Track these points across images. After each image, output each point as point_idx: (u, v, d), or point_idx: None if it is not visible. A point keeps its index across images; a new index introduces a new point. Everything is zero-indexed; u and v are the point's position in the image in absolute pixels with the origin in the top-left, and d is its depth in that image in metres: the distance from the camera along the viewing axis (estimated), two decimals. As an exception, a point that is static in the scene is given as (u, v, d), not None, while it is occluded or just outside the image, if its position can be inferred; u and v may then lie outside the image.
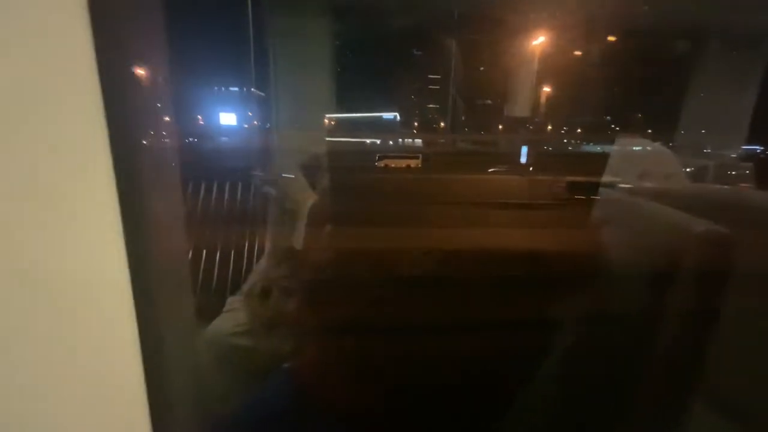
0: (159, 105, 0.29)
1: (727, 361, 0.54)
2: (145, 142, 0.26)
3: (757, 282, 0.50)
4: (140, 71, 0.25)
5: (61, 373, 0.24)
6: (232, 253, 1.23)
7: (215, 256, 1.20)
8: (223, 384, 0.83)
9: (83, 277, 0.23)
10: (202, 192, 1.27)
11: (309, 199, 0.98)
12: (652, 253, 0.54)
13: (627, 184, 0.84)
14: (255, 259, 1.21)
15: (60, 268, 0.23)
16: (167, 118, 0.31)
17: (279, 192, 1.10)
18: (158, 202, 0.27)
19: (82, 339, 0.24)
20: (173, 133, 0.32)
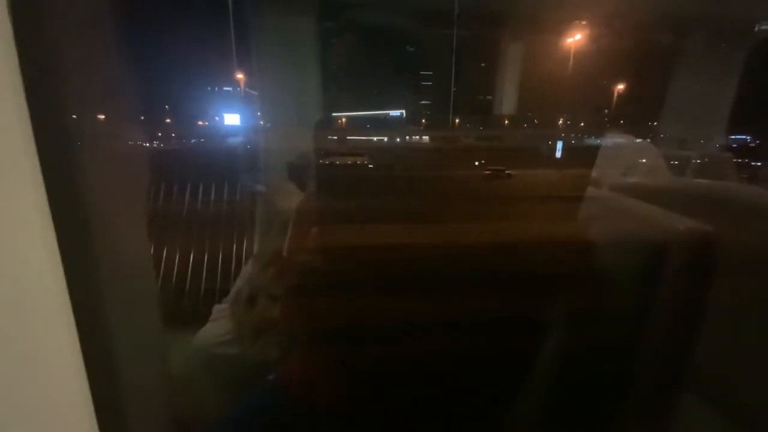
0: (88, 96, 0.27)
1: (716, 355, 0.53)
2: (81, 135, 0.25)
3: (741, 277, 0.49)
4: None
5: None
6: (212, 261, 1.20)
7: (204, 264, 1.17)
8: (209, 395, 0.81)
9: (16, 287, 0.22)
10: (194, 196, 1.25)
11: (294, 201, 0.97)
12: (637, 251, 0.53)
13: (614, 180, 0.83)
14: (235, 268, 1.19)
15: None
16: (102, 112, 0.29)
17: (265, 195, 1.08)
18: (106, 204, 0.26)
19: (18, 354, 0.22)
20: (136, 133, 0.31)
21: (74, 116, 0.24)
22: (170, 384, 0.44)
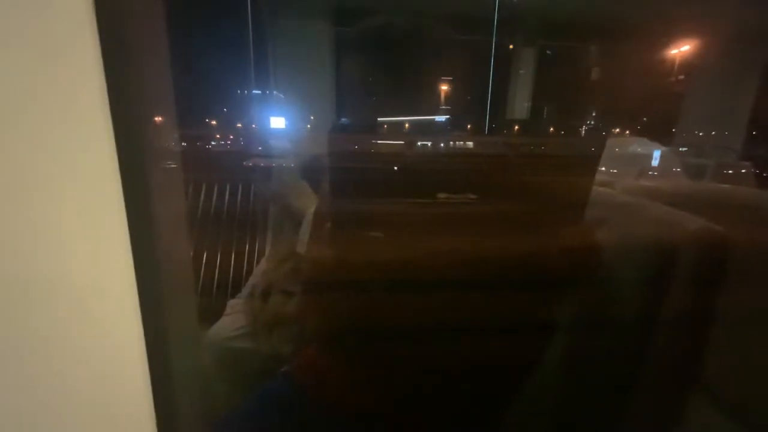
0: (165, 107, 0.29)
1: (725, 358, 0.54)
2: (151, 145, 0.26)
3: (751, 279, 0.50)
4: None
5: (66, 376, 0.25)
6: (233, 255, 1.23)
7: (217, 259, 1.20)
8: (223, 387, 0.83)
9: (89, 281, 0.23)
10: (211, 195, 1.27)
11: (311, 201, 0.99)
12: (648, 251, 0.54)
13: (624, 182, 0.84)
14: (255, 262, 1.21)
15: (65, 272, 0.23)
16: (173, 120, 0.31)
17: (281, 194, 1.10)
18: (164, 204, 0.27)
19: (88, 342, 0.24)
20: (179, 135, 0.33)
21: (150, 118, 0.26)
22: (203, 378, 0.46)
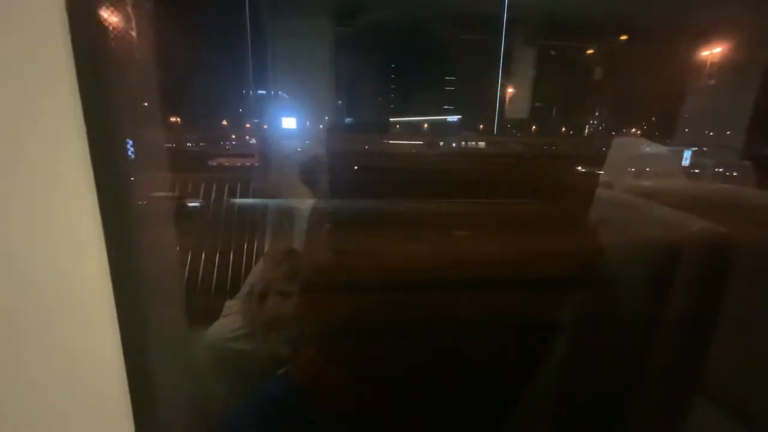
0: (143, 102, 0.29)
1: (727, 359, 0.53)
2: (128, 142, 0.26)
3: (754, 280, 0.49)
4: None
5: (42, 378, 0.24)
6: (230, 256, 1.22)
7: (212, 260, 1.20)
8: (221, 388, 0.83)
9: (64, 280, 0.23)
10: (199, 194, 1.27)
11: (306, 200, 0.98)
12: (649, 252, 0.53)
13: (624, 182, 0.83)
14: (253, 263, 1.21)
15: (40, 270, 0.23)
16: (155, 117, 0.31)
17: (277, 194, 1.10)
18: (141, 202, 0.27)
19: (63, 342, 0.24)
20: (161, 132, 0.32)
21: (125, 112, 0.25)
22: (192, 378, 0.45)
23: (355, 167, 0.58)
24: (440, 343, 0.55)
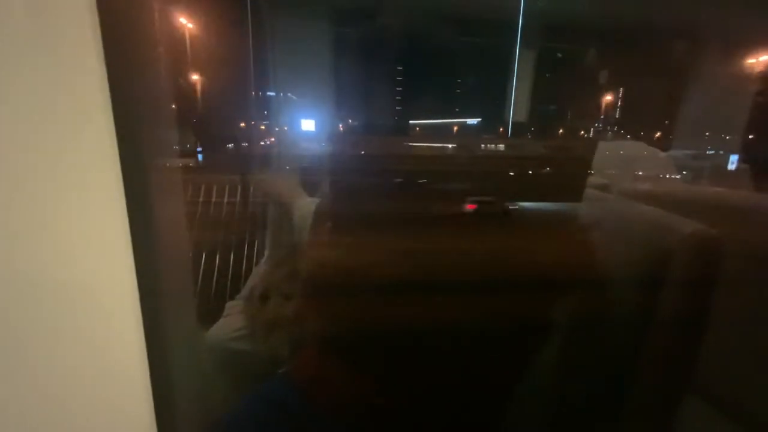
0: (166, 109, 0.30)
1: (720, 359, 0.55)
2: (151, 146, 0.27)
3: (746, 282, 0.51)
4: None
5: (66, 376, 0.25)
6: (232, 257, 1.23)
7: (216, 261, 1.20)
8: (221, 388, 0.83)
9: (89, 281, 0.24)
10: (209, 197, 1.27)
11: (307, 203, 0.99)
12: (641, 255, 0.55)
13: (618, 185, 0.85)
14: (254, 264, 1.22)
15: (66, 271, 0.23)
16: (176, 123, 0.32)
17: (278, 196, 1.10)
18: (165, 205, 0.27)
19: (88, 341, 0.24)
20: (180, 137, 0.33)
21: (152, 121, 0.26)
22: (202, 379, 0.46)
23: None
24: (444, 345, 0.56)
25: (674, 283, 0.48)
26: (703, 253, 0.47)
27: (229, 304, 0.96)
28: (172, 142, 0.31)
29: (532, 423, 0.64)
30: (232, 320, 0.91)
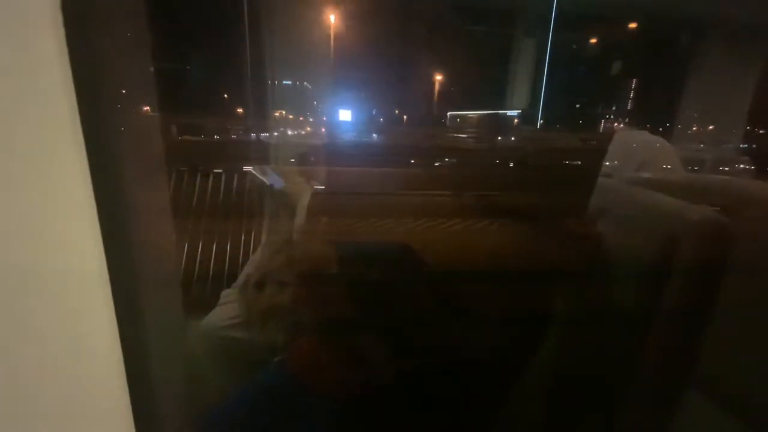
0: (138, 92, 0.28)
1: (724, 351, 0.53)
2: (122, 131, 0.25)
3: (754, 270, 0.49)
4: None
5: (38, 370, 0.24)
6: (228, 246, 1.22)
7: (208, 250, 1.19)
8: (217, 375, 0.83)
9: (59, 271, 0.22)
10: (194, 184, 1.26)
11: (304, 192, 0.98)
12: (650, 241, 0.53)
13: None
14: (250, 252, 1.21)
15: (35, 261, 0.22)
16: (149, 106, 0.30)
17: (275, 185, 1.09)
18: (136, 192, 0.26)
19: (59, 333, 0.23)
20: (159, 121, 0.31)
21: (118, 105, 0.24)
22: (189, 366, 0.45)
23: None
24: (435, 332, 0.56)
25: (682, 271, 0.46)
26: (710, 240, 0.45)
27: (224, 293, 0.96)
28: (147, 123, 0.29)
29: (538, 415, 0.64)
30: (227, 308, 0.90)
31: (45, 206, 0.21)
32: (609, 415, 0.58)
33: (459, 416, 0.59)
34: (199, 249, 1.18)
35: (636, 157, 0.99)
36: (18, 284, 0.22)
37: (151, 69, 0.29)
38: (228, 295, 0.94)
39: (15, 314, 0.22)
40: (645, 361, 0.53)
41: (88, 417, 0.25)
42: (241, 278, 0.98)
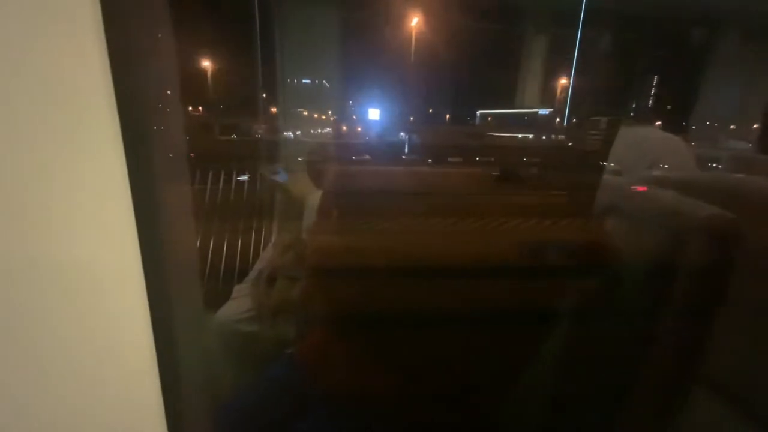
0: (169, 95, 0.29)
1: (733, 348, 0.53)
2: (156, 130, 0.26)
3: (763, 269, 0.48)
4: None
5: (74, 360, 0.25)
6: (240, 242, 1.24)
7: (224, 246, 1.21)
8: (229, 368, 0.85)
9: (95, 265, 0.24)
10: (217, 183, 1.28)
11: (312, 191, 0.99)
12: (659, 240, 0.53)
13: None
14: (261, 248, 1.23)
15: (72, 256, 0.24)
16: (178, 109, 0.31)
17: (284, 184, 1.10)
18: (170, 191, 0.27)
19: (95, 326, 0.24)
20: (184, 123, 0.32)
21: (155, 106, 0.26)
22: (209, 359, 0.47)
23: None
24: (443, 328, 0.56)
25: (691, 269, 0.46)
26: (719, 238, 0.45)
27: (237, 287, 0.98)
28: (179, 126, 0.30)
29: (544, 410, 0.64)
30: (239, 302, 0.92)
31: (84, 203, 0.23)
32: (628, 414, 0.58)
33: (470, 410, 0.60)
34: (224, 246, 1.20)
35: (649, 155, 0.97)
36: (54, 277, 0.23)
37: (177, 69, 0.30)
38: (240, 289, 0.96)
39: (46, 306, 0.24)
40: (660, 360, 0.52)
41: (118, 406, 0.27)
42: (253, 273, 1.00)
